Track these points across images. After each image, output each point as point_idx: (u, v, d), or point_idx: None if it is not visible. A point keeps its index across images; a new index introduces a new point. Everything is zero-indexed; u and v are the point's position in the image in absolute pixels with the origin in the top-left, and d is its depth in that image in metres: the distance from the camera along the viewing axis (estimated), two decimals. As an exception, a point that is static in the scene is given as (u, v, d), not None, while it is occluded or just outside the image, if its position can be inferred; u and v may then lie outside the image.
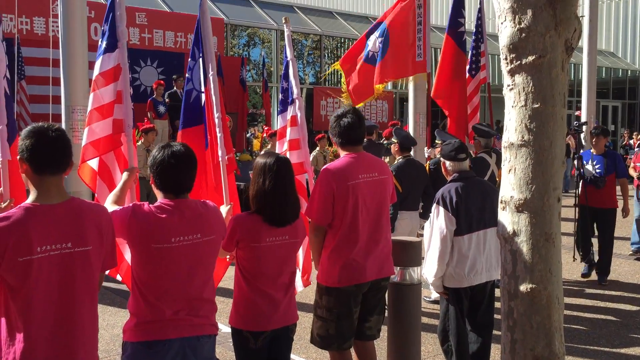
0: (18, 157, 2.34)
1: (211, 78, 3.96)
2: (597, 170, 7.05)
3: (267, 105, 16.70)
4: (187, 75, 4.05)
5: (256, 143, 17.36)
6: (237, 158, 12.02)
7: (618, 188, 7.26)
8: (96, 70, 3.65)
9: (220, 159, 3.91)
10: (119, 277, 3.76)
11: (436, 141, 6.53)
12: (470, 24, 13.01)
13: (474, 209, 4.01)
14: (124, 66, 3.63)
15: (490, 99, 9.00)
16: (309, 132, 5.16)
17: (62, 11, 6.24)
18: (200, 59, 3.98)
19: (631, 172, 8.16)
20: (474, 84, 8.21)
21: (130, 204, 2.73)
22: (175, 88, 12.37)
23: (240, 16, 17.65)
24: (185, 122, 4.05)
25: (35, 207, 2.28)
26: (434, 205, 4.07)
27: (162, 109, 11.95)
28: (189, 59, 4.04)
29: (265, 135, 11.96)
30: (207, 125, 4.01)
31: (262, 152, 10.12)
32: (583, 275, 7.35)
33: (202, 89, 4.00)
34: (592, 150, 7.35)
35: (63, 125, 6.33)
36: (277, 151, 5.20)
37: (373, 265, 3.66)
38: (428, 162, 7.19)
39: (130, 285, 3.42)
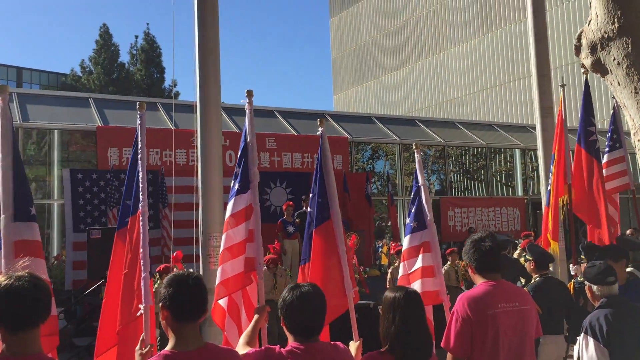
0: (160, 304, 2.46)
1: (333, 214, 4.04)
2: None
3: (394, 218, 16.71)
4: (308, 209, 4.18)
5: (384, 257, 17.24)
6: (366, 275, 11.93)
7: None
8: (228, 212, 3.86)
9: (347, 293, 3.90)
10: None
11: (581, 257, 6.06)
12: (602, 122, 12.38)
13: (631, 340, 3.58)
14: (255, 206, 3.81)
15: (635, 202, 8.58)
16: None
17: (200, 143, 6.72)
18: (317, 196, 4.12)
19: None
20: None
21: (263, 348, 2.72)
22: (304, 208, 12.77)
23: (364, 133, 18.23)
24: (305, 258, 4.16)
25: (173, 355, 2.35)
26: (582, 334, 3.70)
27: (291, 229, 12.33)
28: (310, 194, 4.18)
29: (393, 252, 11.85)
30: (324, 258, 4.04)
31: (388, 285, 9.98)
32: None
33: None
34: None
35: (200, 251, 6.63)
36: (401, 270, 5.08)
37: None
38: (573, 280, 6.67)
39: None
